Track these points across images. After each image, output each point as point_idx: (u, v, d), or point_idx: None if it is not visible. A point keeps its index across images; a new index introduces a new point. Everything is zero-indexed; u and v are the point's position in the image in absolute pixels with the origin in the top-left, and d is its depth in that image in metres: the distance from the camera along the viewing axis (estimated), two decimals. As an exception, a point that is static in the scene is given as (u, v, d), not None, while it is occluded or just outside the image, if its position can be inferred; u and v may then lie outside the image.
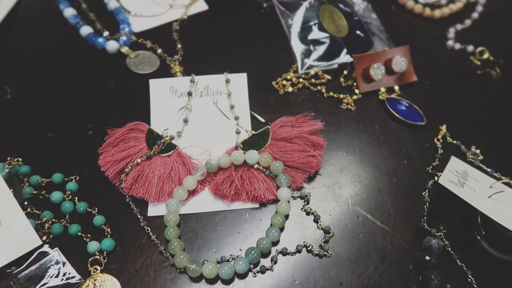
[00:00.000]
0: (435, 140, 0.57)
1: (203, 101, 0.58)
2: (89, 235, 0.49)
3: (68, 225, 0.49)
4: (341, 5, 0.69)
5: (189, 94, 0.58)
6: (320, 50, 0.64)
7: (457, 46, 0.68)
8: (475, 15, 0.72)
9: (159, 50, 0.67)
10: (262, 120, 0.59)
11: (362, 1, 0.72)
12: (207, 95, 0.58)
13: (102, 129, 0.56)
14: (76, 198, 0.51)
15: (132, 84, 0.63)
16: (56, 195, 0.51)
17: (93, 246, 0.47)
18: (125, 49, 0.66)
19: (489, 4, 0.75)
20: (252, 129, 0.57)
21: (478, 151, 0.56)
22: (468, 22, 0.71)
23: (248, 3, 0.74)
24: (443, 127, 0.58)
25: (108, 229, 0.49)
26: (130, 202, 0.51)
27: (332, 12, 0.67)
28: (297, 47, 0.65)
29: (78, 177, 0.53)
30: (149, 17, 0.72)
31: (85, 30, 0.67)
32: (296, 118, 0.56)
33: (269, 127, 0.55)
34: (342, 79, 0.63)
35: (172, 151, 0.53)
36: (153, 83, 0.59)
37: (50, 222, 0.49)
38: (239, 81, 0.59)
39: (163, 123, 0.56)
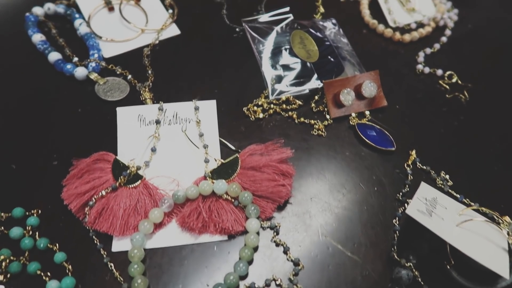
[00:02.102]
0: (405, 166, 0.57)
1: (172, 129, 0.57)
2: (49, 274, 0.47)
3: (27, 263, 0.47)
4: (312, 30, 0.69)
5: (157, 122, 0.57)
6: (291, 75, 0.64)
7: (427, 70, 0.69)
8: (443, 39, 0.74)
9: (129, 76, 0.66)
10: (232, 147, 0.58)
11: (333, 26, 0.72)
12: (176, 123, 0.57)
13: (67, 160, 0.55)
14: (37, 233, 0.50)
15: (101, 111, 0.62)
16: (15, 231, 0.49)
17: (52, 285, 0.45)
18: (94, 76, 0.65)
19: (457, 28, 0.76)
20: (222, 157, 0.56)
21: (447, 177, 0.56)
22: (437, 46, 0.73)
23: (221, 28, 0.74)
24: (413, 153, 0.58)
25: (70, 267, 0.47)
26: (94, 237, 0.49)
27: (303, 37, 0.67)
28: (268, 73, 0.65)
29: (40, 211, 0.51)
30: (120, 42, 0.71)
31: (53, 56, 0.66)
32: (265, 146, 0.55)
33: (238, 155, 0.54)
34: (313, 104, 0.63)
35: (138, 182, 0.52)
36: (121, 111, 0.57)
37: (7, 261, 0.47)
38: (209, 108, 0.58)
39: (131, 153, 0.55)
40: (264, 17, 0.71)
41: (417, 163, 0.57)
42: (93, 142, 0.58)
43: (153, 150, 0.55)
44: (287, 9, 0.70)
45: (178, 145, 0.56)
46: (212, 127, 0.57)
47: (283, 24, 0.69)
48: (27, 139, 0.58)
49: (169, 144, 0.56)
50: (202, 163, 0.54)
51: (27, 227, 0.49)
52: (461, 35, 0.75)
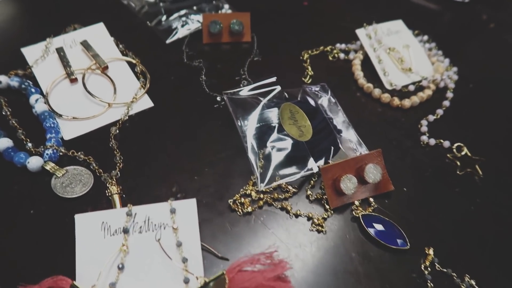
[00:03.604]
0: (422, 268, 0.49)
1: (144, 238, 0.47)
2: None
3: None
4: (302, 101, 0.62)
5: (126, 231, 0.47)
6: (282, 157, 0.56)
7: (432, 141, 0.61)
8: (446, 103, 0.67)
9: (93, 164, 0.56)
10: (217, 254, 0.49)
11: (325, 93, 0.65)
12: (148, 229, 0.48)
13: (12, 284, 0.44)
14: None
15: (57, 213, 0.52)
16: None
17: None
18: (50, 166, 0.55)
19: (458, 89, 0.70)
20: (206, 269, 0.47)
21: (473, 282, 0.48)
22: (440, 112, 0.66)
23: (200, 96, 0.66)
24: (430, 251, 0.50)
25: None
26: None
27: (293, 111, 0.59)
28: (255, 157, 0.56)
29: None
30: (83, 120, 0.62)
31: (3, 143, 0.56)
32: (257, 257, 0.46)
33: (224, 273, 0.45)
34: (309, 192, 0.55)
35: (101, 315, 0.42)
36: (80, 219, 0.47)
37: None
38: (187, 209, 0.49)
39: (92, 272, 0.45)
40: (248, 88, 0.63)
41: (436, 264, 0.49)
42: (46, 257, 0.48)
43: (121, 267, 0.45)
44: (274, 79, 0.63)
45: (151, 260, 0.46)
46: (193, 233, 0.48)
47: (270, 96, 0.61)
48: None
49: (141, 259, 0.46)
50: (181, 283, 0.45)
51: None
52: (464, 97, 0.69)
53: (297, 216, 0.53)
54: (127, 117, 0.63)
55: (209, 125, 0.62)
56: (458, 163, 0.59)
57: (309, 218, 0.53)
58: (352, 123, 0.62)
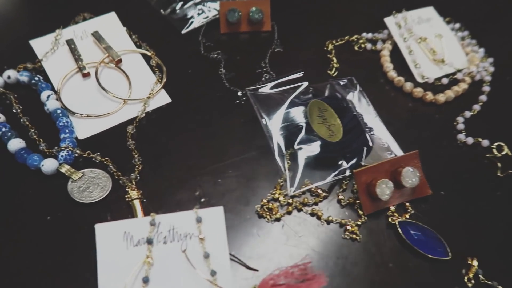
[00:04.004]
0: (465, 280, 0.46)
1: (168, 249, 0.44)
2: None
3: None
4: (330, 97, 0.58)
5: (149, 241, 0.44)
6: (310, 159, 0.52)
7: (470, 140, 0.57)
8: (482, 97, 0.63)
9: (111, 166, 0.53)
10: (247, 265, 0.46)
11: (353, 87, 0.61)
12: (173, 239, 0.45)
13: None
14: None
15: (76, 220, 0.49)
16: None
17: None
18: (65, 169, 0.52)
19: (495, 82, 0.66)
20: (235, 278, 0.44)
21: (521, 296, 0.45)
22: (476, 107, 0.62)
23: (219, 91, 0.62)
24: (474, 262, 0.46)
25: None
26: None
27: (322, 109, 0.55)
28: (282, 158, 0.53)
29: None
30: (98, 118, 0.58)
31: (14, 144, 0.53)
32: (291, 271, 0.43)
33: (256, 288, 0.42)
34: (341, 196, 0.51)
35: (127, 334, 0.39)
36: (101, 229, 0.44)
37: None
38: (214, 217, 0.46)
39: (115, 285, 0.42)
40: (272, 84, 0.59)
41: (480, 276, 0.46)
42: (65, 268, 0.45)
43: (145, 280, 0.42)
44: (301, 73, 0.58)
45: (177, 272, 0.43)
46: (220, 243, 0.45)
47: (297, 92, 0.57)
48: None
49: (166, 271, 0.43)
50: (210, 297, 0.42)
51: None
52: (502, 91, 0.64)
53: (328, 222, 0.50)
54: (144, 114, 0.59)
55: (231, 122, 0.59)
56: (499, 164, 0.56)
57: (341, 225, 0.50)
58: (383, 120, 0.58)
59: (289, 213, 0.50)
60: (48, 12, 0.73)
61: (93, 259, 0.43)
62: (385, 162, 0.51)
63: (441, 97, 0.62)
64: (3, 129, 0.54)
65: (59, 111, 0.57)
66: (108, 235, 0.44)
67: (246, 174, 0.53)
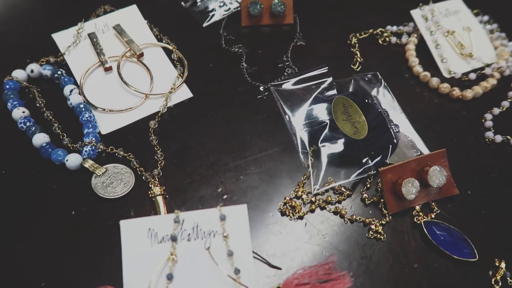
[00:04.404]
0: (493, 282, 0.45)
1: (192, 246, 0.44)
2: None
3: None
4: (354, 93, 0.56)
5: (174, 239, 0.44)
6: (334, 157, 0.52)
7: (498, 138, 0.56)
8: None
9: (133, 161, 0.53)
10: (270, 263, 0.46)
11: (378, 82, 0.59)
12: (197, 237, 0.45)
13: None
14: None
15: (100, 215, 0.49)
16: None
17: None
18: (89, 164, 0.52)
19: (525, 77, 0.64)
20: (258, 276, 0.44)
21: (550, 300, 0.44)
22: (505, 104, 0.60)
23: (241, 85, 0.61)
24: (502, 264, 0.45)
25: None
26: None
27: (346, 105, 0.54)
28: (305, 155, 0.52)
29: None
30: (120, 113, 0.58)
31: (39, 139, 0.53)
32: (315, 270, 0.43)
33: (280, 287, 0.42)
34: (365, 195, 0.51)
35: (153, 329, 0.40)
36: (125, 225, 0.45)
37: None
38: (238, 215, 0.45)
39: (140, 281, 0.43)
40: (295, 79, 0.58)
41: (508, 278, 0.45)
42: (91, 263, 0.46)
43: (169, 277, 0.43)
44: (325, 69, 0.57)
45: (201, 270, 0.43)
46: (244, 241, 0.44)
47: (321, 88, 0.56)
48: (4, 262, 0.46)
49: (190, 269, 0.43)
50: (234, 295, 0.42)
51: None
52: (531, 87, 0.63)
53: (352, 221, 0.49)
54: (165, 109, 0.59)
55: (253, 118, 0.58)
56: (529, 163, 0.54)
57: (365, 224, 0.49)
58: (408, 116, 0.57)
59: (312, 211, 0.50)
60: (69, 5, 0.73)
61: (117, 255, 0.44)
62: (411, 161, 0.50)
63: (468, 93, 0.60)
64: (28, 124, 0.55)
65: (82, 106, 0.57)
66: (133, 232, 0.44)
67: (268, 171, 0.53)
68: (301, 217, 0.49)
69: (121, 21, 0.66)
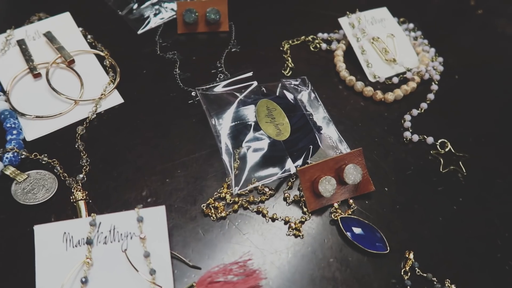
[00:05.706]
0: (402, 273, 0.47)
1: (109, 249, 0.44)
2: None
3: None
4: (280, 97, 0.58)
5: (89, 242, 0.44)
6: (258, 158, 0.53)
7: (415, 137, 0.59)
8: (430, 96, 0.64)
9: (58, 168, 0.53)
10: (189, 263, 0.46)
11: (305, 86, 0.62)
12: (114, 240, 0.45)
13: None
14: None
15: (19, 222, 0.48)
16: None
17: None
18: (10, 171, 0.51)
19: (443, 81, 0.67)
20: (177, 276, 0.44)
21: (454, 287, 0.46)
22: (424, 105, 0.63)
23: (174, 91, 0.62)
24: (411, 255, 0.48)
25: None
26: None
27: (270, 108, 0.56)
28: (229, 157, 0.53)
29: None
30: (48, 119, 0.58)
31: (-42, 146, 0.53)
32: (229, 267, 0.43)
33: (194, 285, 0.42)
34: (287, 194, 0.52)
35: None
36: (39, 230, 0.44)
37: None
38: (156, 217, 0.46)
39: (53, 286, 0.42)
40: (223, 83, 0.59)
41: (416, 268, 0.47)
42: (5, 270, 0.45)
43: (84, 281, 0.43)
44: (250, 73, 0.59)
45: (117, 272, 0.43)
46: (162, 242, 0.45)
47: (247, 92, 0.58)
48: None
49: (105, 272, 0.43)
50: (149, 295, 0.42)
51: None
52: (449, 90, 0.66)
53: (273, 220, 0.50)
54: (95, 115, 0.59)
55: (183, 123, 0.59)
56: (442, 160, 0.57)
57: (285, 222, 0.50)
58: (333, 119, 0.60)
59: (235, 211, 0.51)
60: (2, 13, 0.72)
61: (34, 261, 0.43)
62: (329, 160, 0.52)
63: (390, 96, 0.63)
64: None
65: (7, 113, 0.56)
66: (48, 236, 0.44)
67: (194, 174, 0.54)
68: (223, 218, 0.50)
69: (54, 28, 0.66)
